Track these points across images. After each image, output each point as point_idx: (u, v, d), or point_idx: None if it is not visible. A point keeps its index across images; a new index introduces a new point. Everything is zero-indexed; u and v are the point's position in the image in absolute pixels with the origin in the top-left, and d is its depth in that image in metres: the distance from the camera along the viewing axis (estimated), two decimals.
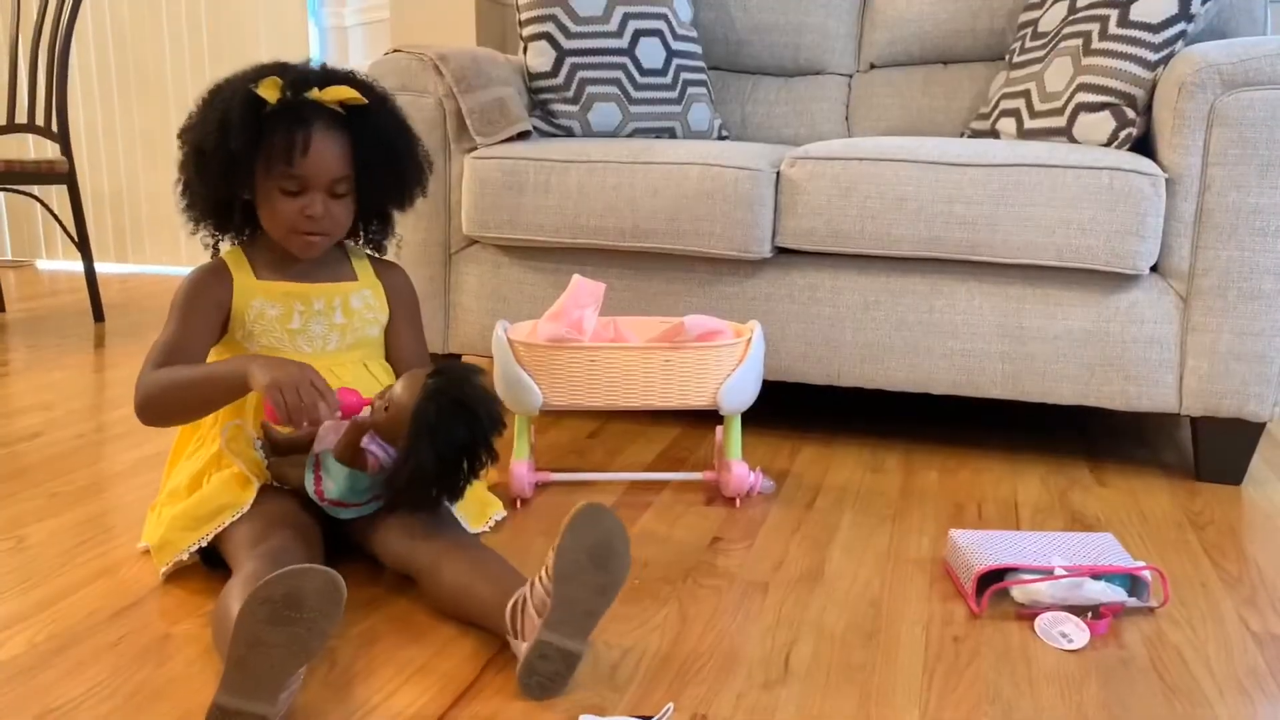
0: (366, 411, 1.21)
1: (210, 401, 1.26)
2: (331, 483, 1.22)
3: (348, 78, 1.30)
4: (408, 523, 1.22)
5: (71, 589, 1.24)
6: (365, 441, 1.21)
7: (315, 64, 1.32)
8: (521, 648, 1.00)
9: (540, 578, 1.02)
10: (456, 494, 1.22)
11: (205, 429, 1.34)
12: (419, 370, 1.20)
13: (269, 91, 1.23)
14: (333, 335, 1.35)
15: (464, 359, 2.19)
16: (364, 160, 1.30)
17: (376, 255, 1.46)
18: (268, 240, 1.34)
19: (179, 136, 1.30)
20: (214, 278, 1.33)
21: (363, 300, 1.38)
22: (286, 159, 1.24)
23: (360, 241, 1.44)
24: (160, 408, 1.27)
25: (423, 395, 1.16)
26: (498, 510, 1.46)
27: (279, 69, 1.27)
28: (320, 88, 1.26)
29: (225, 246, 1.37)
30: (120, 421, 1.95)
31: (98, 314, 2.99)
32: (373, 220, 1.42)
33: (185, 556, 1.22)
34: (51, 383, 2.25)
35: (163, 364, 1.27)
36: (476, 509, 1.39)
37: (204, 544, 1.21)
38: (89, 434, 1.87)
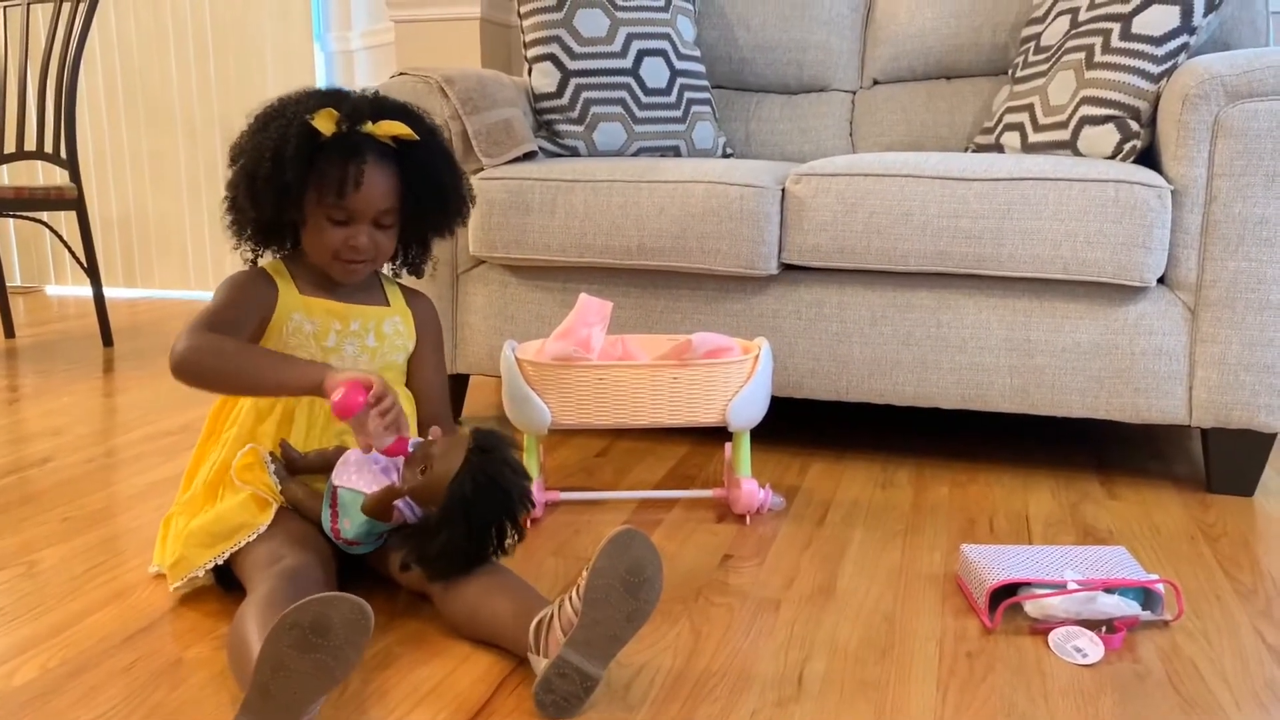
0: (403, 459, 1.22)
1: (264, 383, 1.24)
2: (349, 523, 1.22)
3: (400, 109, 1.32)
4: None
5: (83, 614, 1.24)
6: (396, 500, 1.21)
7: (368, 93, 1.33)
8: (541, 664, 1.00)
9: (570, 597, 1.02)
10: (483, 564, 1.21)
11: (222, 438, 1.34)
12: (459, 438, 1.19)
13: (324, 124, 1.25)
14: (363, 357, 1.36)
15: (471, 378, 2.20)
16: (412, 194, 1.33)
17: (405, 285, 1.48)
18: (307, 258, 1.36)
19: (230, 154, 1.32)
20: (261, 281, 1.34)
21: (394, 327, 1.40)
22: (338, 192, 1.26)
23: (399, 264, 1.46)
24: (205, 369, 1.23)
25: (461, 472, 1.15)
26: None
27: (335, 98, 1.29)
28: (373, 120, 1.28)
29: (265, 260, 1.39)
30: (129, 446, 1.96)
31: (106, 339, 3.00)
32: (412, 246, 1.45)
33: (201, 574, 1.22)
34: (61, 408, 2.26)
35: (213, 329, 1.26)
36: None
37: (220, 562, 1.21)
38: (99, 459, 1.88)
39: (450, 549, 1.15)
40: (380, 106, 1.31)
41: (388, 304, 1.41)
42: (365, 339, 1.36)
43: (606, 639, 0.99)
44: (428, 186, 1.33)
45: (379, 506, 1.20)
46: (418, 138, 1.30)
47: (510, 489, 1.17)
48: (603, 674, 1.00)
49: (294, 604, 0.89)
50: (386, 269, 1.46)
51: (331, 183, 1.26)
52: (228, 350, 1.24)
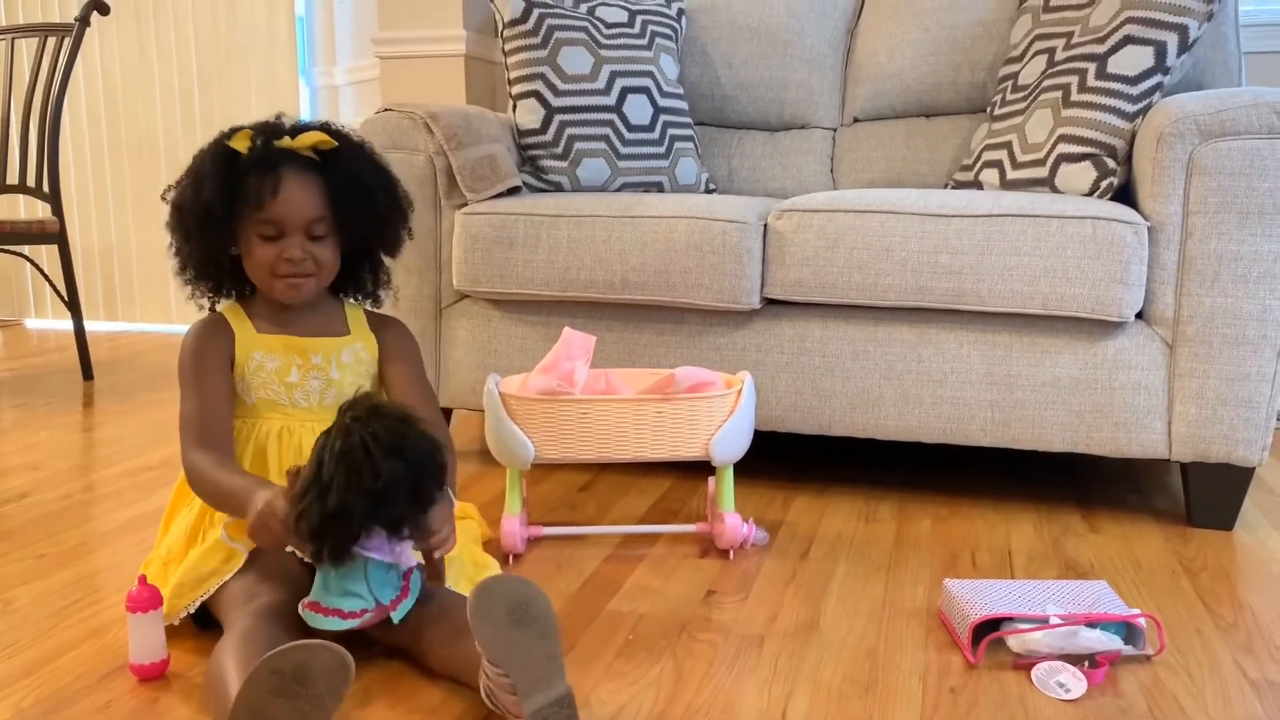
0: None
1: (234, 510, 1.23)
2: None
3: (320, 126, 1.32)
4: None
5: (59, 652, 1.22)
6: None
7: (288, 118, 1.34)
8: None
9: (485, 670, 1.00)
10: (398, 526, 1.11)
11: None
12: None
13: (240, 143, 1.26)
14: (329, 391, 1.36)
15: (455, 412, 2.19)
16: (340, 199, 1.30)
17: (375, 311, 1.46)
18: (263, 296, 1.35)
19: (163, 198, 1.32)
20: (215, 331, 1.33)
21: (353, 354, 1.38)
22: (258, 202, 1.26)
23: (360, 296, 1.44)
24: (201, 495, 1.26)
25: (310, 461, 1.07)
26: (492, 570, 1.44)
27: (254, 126, 1.30)
28: (292, 137, 1.29)
29: (221, 307, 1.38)
30: (108, 481, 1.94)
31: (87, 373, 2.98)
32: (364, 268, 1.43)
33: (176, 622, 1.22)
34: (39, 442, 2.24)
35: (200, 439, 1.26)
36: (471, 571, 1.37)
37: (192, 610, 1.21)
38: (77, 494, 1.86)
39: (313, 534, 1.05)
40: (298, 125, 1.31)
41: (348, 332, 1.40)
42: (329, 372, 1.36)
43: (545, 663, 0.97)
44: (355, 191, 1.31)
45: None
46: (336, 144, 1.30)
47: (358, 462, 1.04)
48: (567, 684, 0.97)
49: (276, 648, 0.88)
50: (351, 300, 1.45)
51: (252, 195, 1.25)
52: (206, 478, 1.23)
